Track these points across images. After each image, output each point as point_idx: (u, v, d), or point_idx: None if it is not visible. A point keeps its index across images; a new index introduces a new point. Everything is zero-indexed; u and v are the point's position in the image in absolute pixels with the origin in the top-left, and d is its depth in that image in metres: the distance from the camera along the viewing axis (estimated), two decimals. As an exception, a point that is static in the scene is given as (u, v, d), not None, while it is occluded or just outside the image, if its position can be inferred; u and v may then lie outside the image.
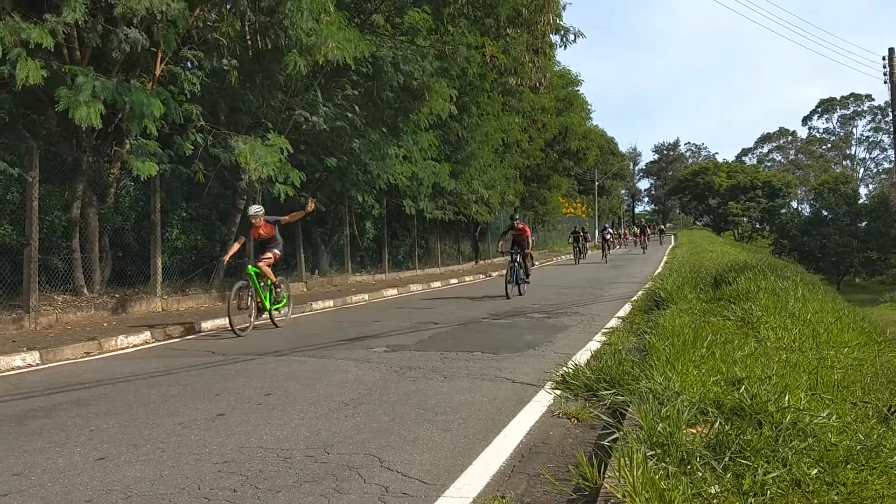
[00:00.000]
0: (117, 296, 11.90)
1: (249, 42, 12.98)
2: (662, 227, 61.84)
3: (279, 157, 12.58)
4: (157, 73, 11.64)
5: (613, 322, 9.99)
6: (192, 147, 12.29)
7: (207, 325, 10.40)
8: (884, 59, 20.37)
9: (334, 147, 15.97)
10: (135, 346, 9.02)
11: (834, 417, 4.34)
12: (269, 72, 13.57)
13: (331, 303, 13.86)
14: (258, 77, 13.63)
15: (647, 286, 15.44)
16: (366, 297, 15.21)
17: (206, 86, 12.25)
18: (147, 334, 9.36)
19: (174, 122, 11.74)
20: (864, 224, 69.81)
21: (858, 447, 3.81)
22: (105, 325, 10.26)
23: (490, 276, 23.30)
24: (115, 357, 8.25)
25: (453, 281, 20.32)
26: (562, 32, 24.51)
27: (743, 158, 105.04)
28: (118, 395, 6.11)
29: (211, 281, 13.98)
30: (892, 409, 4.87)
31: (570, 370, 6.10)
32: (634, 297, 13.40)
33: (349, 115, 15.31)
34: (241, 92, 13.42)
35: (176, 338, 9.60)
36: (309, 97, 14.48)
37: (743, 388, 4.93)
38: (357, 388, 6.07)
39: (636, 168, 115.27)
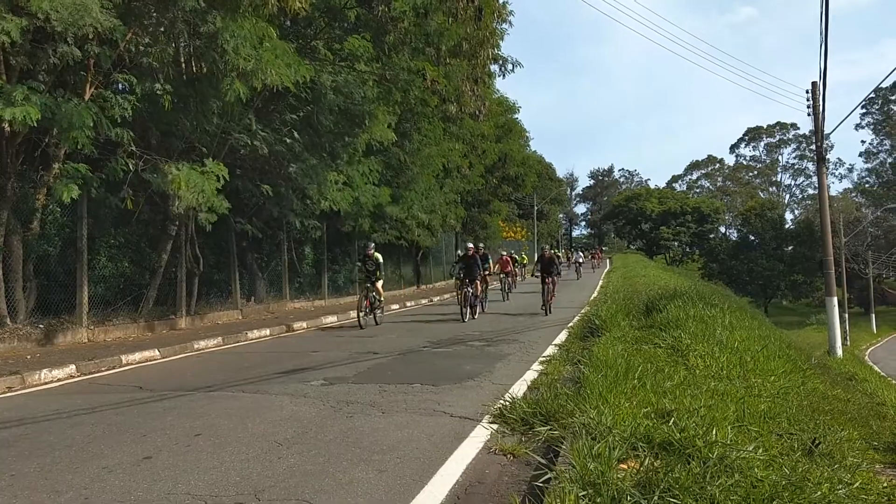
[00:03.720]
0: (41, 326, 11.43)
1: (184, 66, 12.76)
2: (593, 251, 62.41)
3: (216, 184, 12.35)
4: (88, 95, 11.33)
5: (550, 350, 10.06)
6: (123, 172, 11.95)
7: (135, 356, 10.05)
8: (807, 91, 21.39)
9: (272, 172, 15.81)
10: (59, 380, 8.68)
11: (760, 451, 4.47)
12: (205, 96, 13.32)
13: (267, 332, 13.57)
14: (193, 101, 13.38)
15: (583, 311, 15.58)
16: (304, 324, 14.97)
17: (137, 110, 11.95)
18: (72, 367, 9.01)
19: (104, 145, 11.45)
20: (789, 248, 72.72)
21: (783, 482, 3.92)
22: (29, 357, 9.87)
23: (432, 300, 23.16)
24: (39, 393, 7.92)
25: (394, 307, 20.14)
26: (500, 62, 25.02)
27: (673, 185, 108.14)
28: (40, 435, 5.87)
29: (139, 310, 13.57)
30: (817, 442, 5.03)
31: (508, 403, 6.13)
32: (571, 324, 13.50)
33: (287, 140, 15.18)
34: (174, 116, 13.14)
35: (103, 371, 9.26)
36: (246, 122, 14.29)
37: (672, 420, 5.05)
38: (292, 427, 5.95)
39: (573, 193, 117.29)
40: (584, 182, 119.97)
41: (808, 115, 21.10)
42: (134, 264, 14.22)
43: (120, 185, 12.39)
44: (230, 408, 6.73)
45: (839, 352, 20.64)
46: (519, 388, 7.19)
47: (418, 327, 14.44)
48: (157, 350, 10.49)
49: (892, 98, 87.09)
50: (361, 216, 19.22)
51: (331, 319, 16.14)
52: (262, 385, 7.89)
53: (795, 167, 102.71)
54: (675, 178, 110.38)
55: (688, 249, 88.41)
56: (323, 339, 12.58)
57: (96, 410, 6.77)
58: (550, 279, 16.60)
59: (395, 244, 24.28)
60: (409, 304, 21.66)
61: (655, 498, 3.70)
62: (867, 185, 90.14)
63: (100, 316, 12.71)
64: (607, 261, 64.01)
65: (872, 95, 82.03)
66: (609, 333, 10.33)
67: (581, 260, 37.18)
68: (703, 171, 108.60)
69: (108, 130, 11.12)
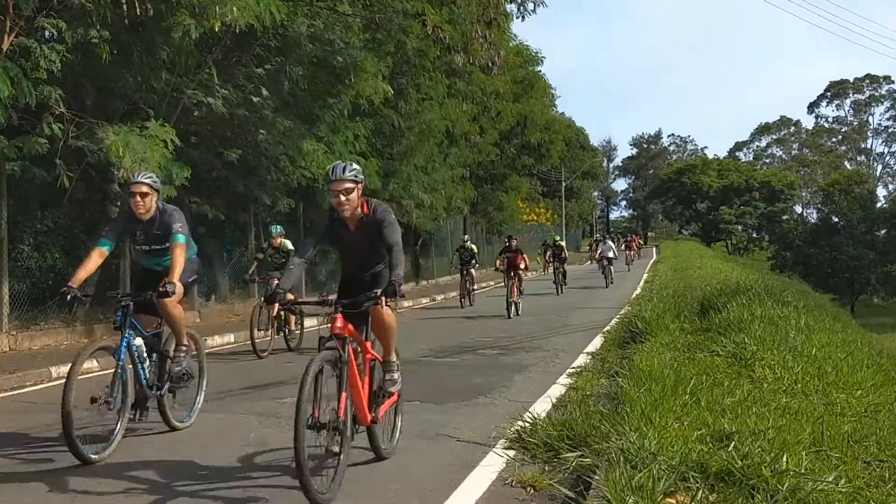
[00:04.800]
0: (-51, 332, 11.52)
1: (126, 8, 12.71)
2: (628, 238, 55.85)
3: (163, 151, 12.31)
4: (6, 45, 11.29)
5: (581, 360, 10.21)
6: (48, 141, 11.80)
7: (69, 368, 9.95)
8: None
9: (235, 139, 15.77)
10: (-29, 398, 8.88)
11: (843, 482, 4.45)
12: (151, 45, 13.30)
13: (231, 338, 13.68)
14: (136, 51, 13.34)
15: (622, 312, 15.69)
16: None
17: (68, 64, 11.91)
18: (-12, 383, 9.10)
19: (26, 108, 11.42)
20: (882, 232, 71.80)
21: (870, 520, 3.97)
22: (-69, 371, 10.02)
23: (435, 299, 23.31)
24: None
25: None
26: (519, 0, 24.94)
27: (737, 154, 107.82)
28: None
29: (73, 312, 13.46)
30: (911, 471, 4.99)
31: (527, 424, 6.15)
32: (607, 328, 13.64)
33: (254, 99, 15.15)
34: (114, 71, 13.06)
35: (28, 386, 9.21)
36: (202, 77, 14.24)
37: (732, 445, 5.05)
38: (259, 455, 5.93)
39: (611, 165, 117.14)
40: (624, 151, 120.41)
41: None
42: (66, 255, 14.16)
43: (49, 156, 12.31)
44: (185, 430, 6.73)
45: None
46: (541, 407, 7.22)
47: (417, 332, 14.46)
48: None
49: None
50: None
51: (310, 323, 16.09)
52: (225, 403, 7.92)
53: (890, 131, 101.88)
54: (738, 146, 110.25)
55: (754, 235, 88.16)
56: (301, 347, 12.59)
57: (26, 442, 6.61)
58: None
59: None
60: (406, 303, 21.69)
61: (710, 540, 3.75)
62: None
63: (24, 319, 12.69)
64: (654, 250, 63.88)
65: None
66: (654, 339, 10.38)
67: (611, 254, 28.18)
68: (773, 137, 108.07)
69: (30, 98, 11.01)
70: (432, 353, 11.37)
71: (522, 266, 18.15)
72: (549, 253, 27.10)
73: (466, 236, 23.86)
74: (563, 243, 27.72)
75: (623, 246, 42.56)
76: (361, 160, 19.10)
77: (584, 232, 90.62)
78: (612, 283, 26.35)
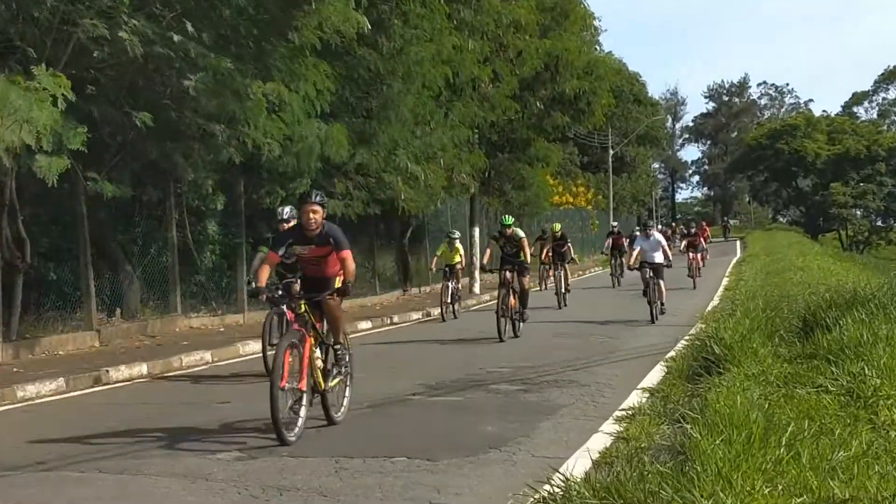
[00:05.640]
0: None
1: None
2: (690, 231, 48.48)
3: (52, 110, 12.21)
4: None
5: (634, 398, 10.14)
6: None
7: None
8: None
9: (150, 90, 15.71)
10: None
11: None
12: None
13: (144, 368, 13.62)
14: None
15: (692, 331, 15.67)
16: (207, 355, 15.06)
17: None
18: None
19: None
20: None
21: None
22: None
23: (429, 313, 23.22)
24: None
25: (365, 325, 20.37)
26: None
27: (854, 110, 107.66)
28: None
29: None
30: None
31: (558, 490, 6.14)
32: (671, 353, 13.66)
33: (176, 36, 14.95)
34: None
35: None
36: (103, 2, 14.06)
37: (847, 519, 5.14)
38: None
39: (678, 126, 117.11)
40: (696, 106, 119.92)
41: None
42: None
43: None
44: (76, 502, 6.77)
45: None
46: (578, 465, 7.19)
47: (406, 360, 14.64)
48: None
49: None
50: (303, 167, 19.07)
51: (254, 347, 15.82)
52: (133, 459, 7.91)
53: None
54: (857, 99, 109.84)
55: (879, 223, 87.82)
56: (240, 383, 12.62)
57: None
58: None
59: (364, 217, 24.22)
60: (391, 319, 21.69)
61: None
62: None
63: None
64: (737, 244, 63.45)
65: None
66: (738, 369, 10.38)
67: (659, 258, 21.16)
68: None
69: None
70: (425, 390, 11.35)
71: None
72: (546, 249, 26.72)
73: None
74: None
75: (683, 245, 35.44)
76: (324, 125, 18.97)
77: (641, 219, 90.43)
78: (661, 311, 20.37)
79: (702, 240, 37.40)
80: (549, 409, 9.81)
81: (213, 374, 13.66)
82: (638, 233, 27.26)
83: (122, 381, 13.02)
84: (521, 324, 17.88)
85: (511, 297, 17.40)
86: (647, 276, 20.43)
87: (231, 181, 18.75)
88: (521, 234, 18.88)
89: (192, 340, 16.79)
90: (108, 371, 12.99)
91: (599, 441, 8.06)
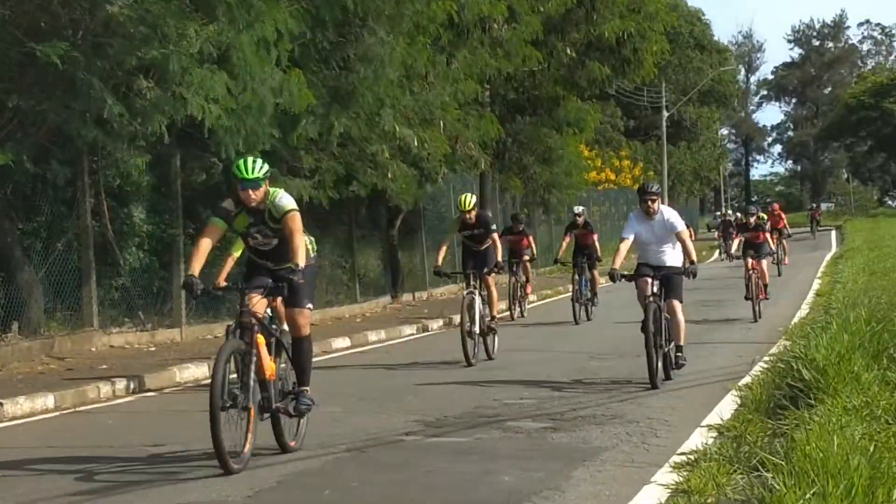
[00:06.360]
0: None
1: None
2: (750, 216, 41.74)
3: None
4: None
5: (697, 438, 9.99)
6: None
7: None
8: None
9: (54, 23, 15.37)
10: None
11: None
12: None
13: (50, 400, 13.36)
14: None
15: (774, 350, 15.63)
16: (133, 384, 14.88)
17: None
18: None
19: None
20: None
21: None
22: None
23: (427, 327, 23.67)
24: None
25: (341, 343, 20.39)
26: None
27: None
28: None
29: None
30: None
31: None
32: (746, 379, 13.47)
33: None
34: None
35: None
36: None
37: None
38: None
39: (752, 80, 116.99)
40: (777, 54, 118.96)
41: None
42: None
43: None
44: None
45: None
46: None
47: (397, 387, 14.70)
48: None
49: None
50: (253, 133, 18.40)
51: (193, 373, 16.19)
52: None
53: None
54: None
55: None
56: (177, 416, 12.87)
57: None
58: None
59: (340, 201, 23.62)
60: (376, 335, 21.77)
61: None
62: None
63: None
64: (832, 235, 63.66)
65: None
66: (834, 399, 10.06)
67: (671, 258, 15.01)
68: None
69: None
70: (423, 428, 11.16)
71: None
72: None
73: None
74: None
75: (737, 244, 28.61)
76: (282, 75, 18.31)
77: (707, 202, 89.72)
78: (676, 363, 15.10)
79: (766, 236, 26.98)
80: (586, 454, 9.60)
81: (138, 408, 13.74)
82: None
83: (22, 417, 12.77)
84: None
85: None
86: (650, 294, 14.43)
87: (164, 154, 18.26)
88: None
89: (113, 363, 16.76)
90: (1, 404, 12.60)
91: (652, 496, 7.91)
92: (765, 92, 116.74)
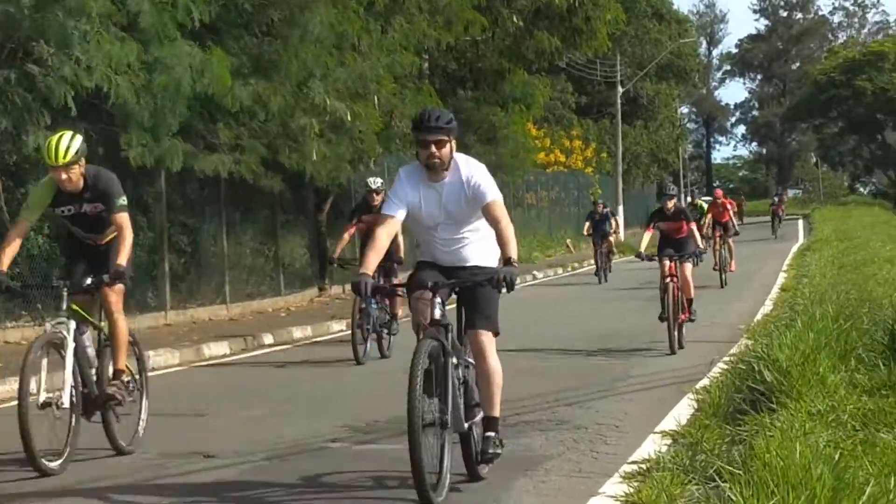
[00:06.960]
0: None
1: None
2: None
3: None
4: None
5: (650, 446, 10.18)
6: None
7: None
8: None
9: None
10: None
11: None
12: None
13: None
14: None
15: (734, 350, 15.88)
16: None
17: None
18: None
19: None
20: None
21: None
22: None
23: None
24: None
25: (264, 342, 20.86)
26: None
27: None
28: None
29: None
30: None
31: None
32: (703, 381, 13.76)
33: None
34: None
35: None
36: None
37: None
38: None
39: (715, 54, 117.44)
40: (741, 26, 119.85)
41: None
42: None
43: None
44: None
45: None
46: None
47: (326, 391, 15.03)
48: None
49: None
50: (167, 113, 18.85)
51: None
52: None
53: None
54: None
55: None
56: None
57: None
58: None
59: (259, 186, 23.96)
60: (302, 332, 22.13)
61: None
62: None
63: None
64: (799, 224, 64.10)
65: None
66: (797, 403, 10.31)
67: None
68: None
69: None
70: (350, 434, 11.56)
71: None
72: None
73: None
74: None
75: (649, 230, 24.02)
76: (198, 53, 18.76)
77: (664, 188, 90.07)
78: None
79: (691, 229, 22.27)
80: (528, 463, 9.83)
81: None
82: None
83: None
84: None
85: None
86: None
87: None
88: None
89: (8, 361, 16.63)
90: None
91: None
92: (728, 67, 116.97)
